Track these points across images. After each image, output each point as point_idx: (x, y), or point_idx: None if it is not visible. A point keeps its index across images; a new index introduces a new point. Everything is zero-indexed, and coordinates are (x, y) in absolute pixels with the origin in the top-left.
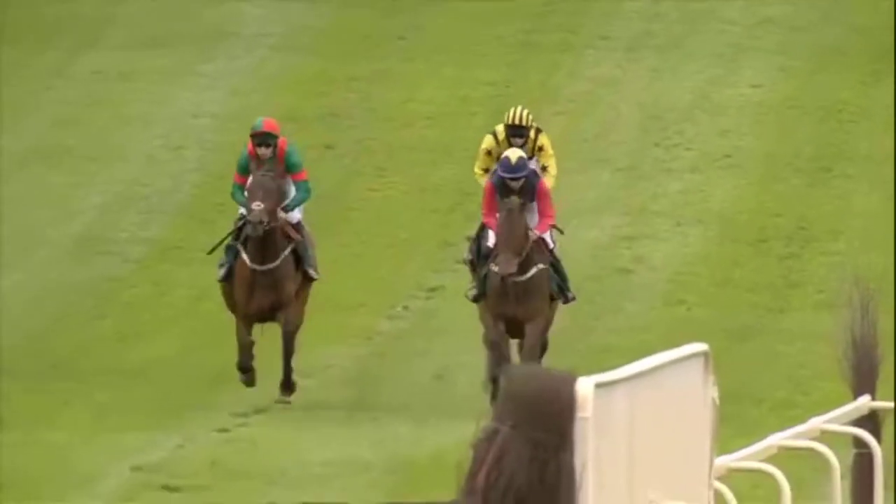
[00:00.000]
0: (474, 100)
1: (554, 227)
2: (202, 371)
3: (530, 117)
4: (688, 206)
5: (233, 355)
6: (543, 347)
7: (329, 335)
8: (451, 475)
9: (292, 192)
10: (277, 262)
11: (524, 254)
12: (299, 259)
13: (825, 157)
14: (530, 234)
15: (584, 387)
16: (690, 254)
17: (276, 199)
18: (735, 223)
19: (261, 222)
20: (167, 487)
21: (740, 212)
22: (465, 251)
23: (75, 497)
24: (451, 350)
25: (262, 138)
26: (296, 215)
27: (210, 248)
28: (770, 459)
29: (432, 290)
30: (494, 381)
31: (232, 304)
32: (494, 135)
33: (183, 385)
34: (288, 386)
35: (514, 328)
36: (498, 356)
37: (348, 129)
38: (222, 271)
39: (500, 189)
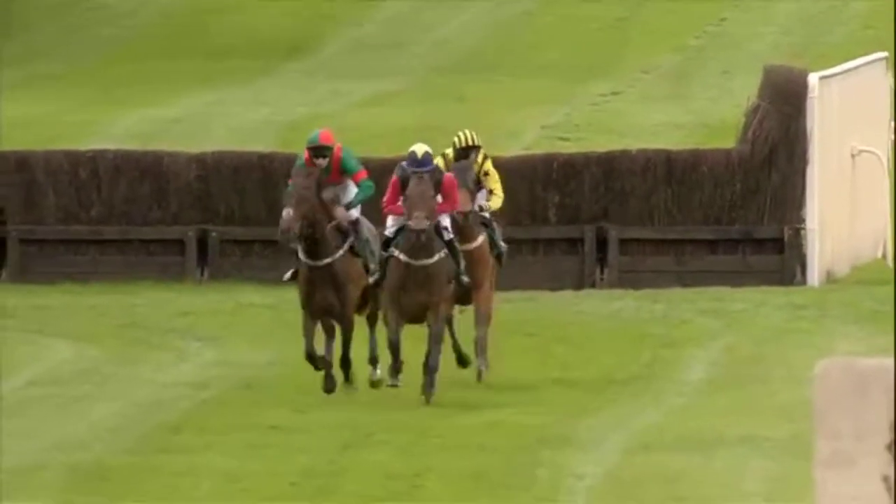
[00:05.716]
0: None
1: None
2: None
3: (477, 138)
4: None
5: None
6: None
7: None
8: (732, 132)
9: (352, 191)
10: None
11: (434, 218)
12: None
13: None
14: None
15: (813, 78)
16: None
17: (310, 205)
18: None
19: (288, 230)
20: (561, 138)
21: None
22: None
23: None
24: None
25: (319, 151)
26: (354, 213)
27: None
28: None
29: None
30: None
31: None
32: (444, 156)
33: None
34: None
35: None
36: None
37: None
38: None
39: (406, 183)
